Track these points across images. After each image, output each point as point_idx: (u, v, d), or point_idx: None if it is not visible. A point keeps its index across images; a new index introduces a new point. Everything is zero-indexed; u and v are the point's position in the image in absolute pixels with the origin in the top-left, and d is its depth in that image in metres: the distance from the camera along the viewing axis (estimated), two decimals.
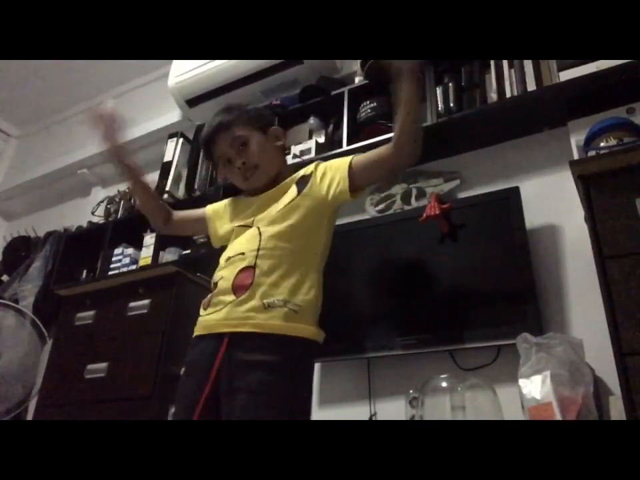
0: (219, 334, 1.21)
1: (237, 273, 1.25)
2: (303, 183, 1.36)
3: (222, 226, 1.47)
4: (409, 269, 1.87)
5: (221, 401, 1.14)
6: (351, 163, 1.31)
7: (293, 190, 1.35)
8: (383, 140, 1.95)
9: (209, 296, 1.31)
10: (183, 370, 1.31)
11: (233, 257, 1.30)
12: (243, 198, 1.51)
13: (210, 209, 1.56)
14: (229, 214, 1.48)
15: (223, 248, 1.43)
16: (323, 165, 1.39)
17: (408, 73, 1.20)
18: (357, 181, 1.31)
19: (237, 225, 1.39)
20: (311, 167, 1.40)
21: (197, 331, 1.30)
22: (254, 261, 1.24)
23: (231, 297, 1.23)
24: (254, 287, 1.21)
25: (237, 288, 1.23)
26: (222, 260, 1.35)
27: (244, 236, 1.33)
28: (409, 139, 1.24)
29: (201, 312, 1.32)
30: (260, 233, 1.29)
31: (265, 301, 1.19)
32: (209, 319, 1.26)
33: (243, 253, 1.27)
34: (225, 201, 1.55)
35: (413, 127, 1.25)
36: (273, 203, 1.35)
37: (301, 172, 1.40)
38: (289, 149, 2.16)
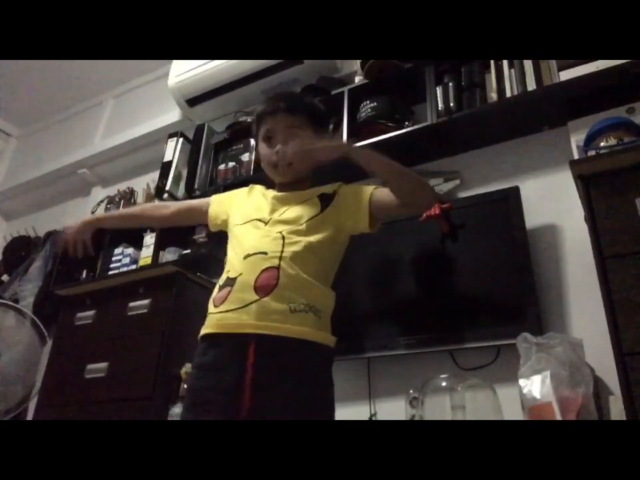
0: (242, 335, 1.16)
1: (260, 272, 1.21)
2: (326, 200, 1.36)
3: (225, 211, 1.48)
4: (409, 269, 1.87)
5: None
6: (371, 197, 1.32)
7: (316, 204, 1.35)
8: (383, 140, 1.96)
9: (225, 291, 1.24)
10: (193, 371, 1.24)
11: (253, 254, 1.25)
12: (256, 188, 1.50)
13: (215, 196, 1.57)
14: (238, 203, 1.47)
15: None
16: (345, 190, 1.40)
17: (342, 155, 1.29)
18: (375, 215, 1.33)
19: (253, 218, 1.36)
20: (334, 187, 1.40)
21: (210, 329, 1.23)
22: (278, 262, 1.22)
23: (253, 296, 1.18)
24: (279, 289, 1.18)
25: (260, 287, 1.19)
26: (236, 254, 1.30)
27: (262, 234, 1.30)
28: (404, 192, 1.27)
29: (212, 308, 1.25)
30: (283, 237, 1.27)
31: (291, 305, 1.17)
32: (228, 316, 1.20)
33: (265, 253, 1.24)
34: (235, 191, 1.54)
35: (397, 180, 1.28)
36: (294, 206, 1.35)
37: (323, 188, 1.40)
38: None
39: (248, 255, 1.25)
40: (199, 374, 1.20)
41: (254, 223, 1.34)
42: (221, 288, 1.26)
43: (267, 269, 1.21)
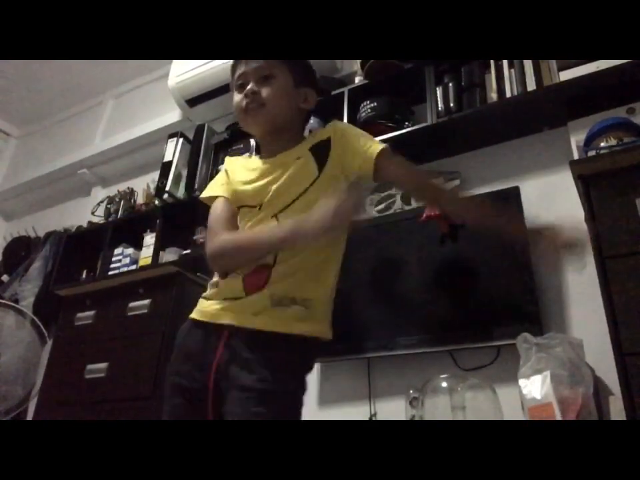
0: (219, 325, 1.10)
1: (251, 272, 1.11)
2: (321, 153, 1.17)
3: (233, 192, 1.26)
4: (409, 269, 1.87)
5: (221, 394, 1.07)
6: (379, 155, 1.15)
7: (310, 162, 1.16)
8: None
9: (216, 281, 1.18)
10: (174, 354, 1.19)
11: None
12: (233, 162, 1.32)
13: (215, 192, 1.28)
14: (233, 181, 1.26)
15: None
16: (341, 130, 1.20)
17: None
18: (379, 174, 1.17)
19: (243, 204, 1.20)
20: (327, 131, 1.21)
21: (195, 315, 1.17)
22: (272, 260, 1.10)
23: (240, 294, 1.10)
24: (267, 287, 1.09)
25: (248, 287, 1.10)
26: None
27: (255, 224, 1.15)
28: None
29: (204, 294, 1.20)
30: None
31: (274, 298, 1.08)
32: (211, 307, 1.14)
33: None
34: (223, 172, 1.31)
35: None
36: (285, 173, 1.16)
37: (314, 137, 1.22)
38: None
39: None
40: (176, 356, 1.19)
41: (244, 211, 1.20)
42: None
43: (258, 267, 1.11)
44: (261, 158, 1.25)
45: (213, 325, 1.11)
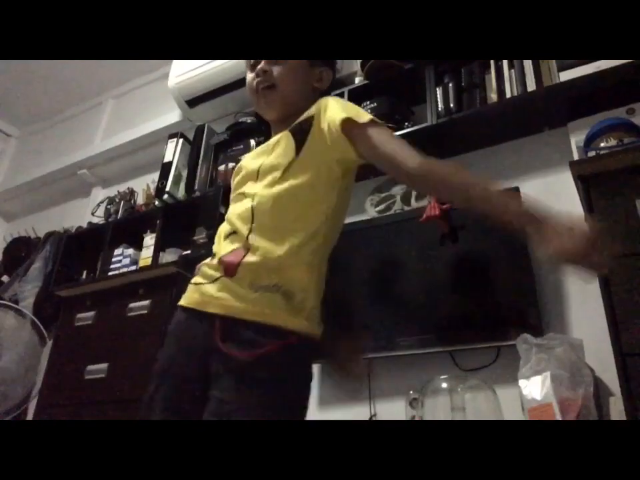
0: (209, 314, 1.03)
1: (229, 251, 1.06)
2: (300, 135, 1.08)
3: None
4: (409, 269, 1.87)
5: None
6: (344, 123, 1.03)
7: (289, 144, 1.08)
8: None
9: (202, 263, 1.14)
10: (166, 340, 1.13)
11: (229, 235, 1.09)
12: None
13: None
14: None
15: None
16: (325, 105, 1.09)
17: None
18: (360, 151, 1.06)
19: (237, 191, 1.16)
20: (312, 109, 1.11)
21: (184, 301, 1.11)
22: (245, 238, 1.04)
23: (218, 273, 1.04)
24: (242, 267, 1.02)
25: (225, 266, 1.04)
26: (222, 232, 1.14)
27: (237, 206, 1.12)
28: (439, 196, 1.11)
29: (193, 278, 1.14)
30: (252, 208, 1.07)
31: (254, 283, 1.00)
32: (198, 290, 1.08)
33: (235, 232, 1.08)
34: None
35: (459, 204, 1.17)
36: (270, 155, 1.11)
37: (303, 115, 1.12)
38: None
39: (227, 235, 1.10)
40: (168, 342, 1.12)
41: (235, 197, 1.15)
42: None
43: (235, 249, 1.05)
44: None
45: (203, 313, 1.04)
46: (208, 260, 1.13)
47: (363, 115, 1.05)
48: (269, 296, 1.00)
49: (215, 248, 1.13)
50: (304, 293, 1.03)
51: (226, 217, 1.15)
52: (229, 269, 1.03)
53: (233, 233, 1.08)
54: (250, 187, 1.12)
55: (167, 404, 1.03)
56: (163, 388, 1.04)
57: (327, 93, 1.23)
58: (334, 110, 1.06)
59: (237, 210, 1.11)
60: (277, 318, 1.00)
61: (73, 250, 2.77)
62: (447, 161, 1.02)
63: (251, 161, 1.19)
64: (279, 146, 1.11)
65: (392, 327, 1.79)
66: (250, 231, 1.05)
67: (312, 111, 1.10)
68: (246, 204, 1.09)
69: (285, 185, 1.05)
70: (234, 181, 1.22)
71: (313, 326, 1.05)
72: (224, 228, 1.13)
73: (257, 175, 1.12)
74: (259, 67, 1.15)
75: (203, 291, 1.06)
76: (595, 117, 1.64)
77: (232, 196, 1.19)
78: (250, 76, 1.18)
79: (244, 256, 1.03)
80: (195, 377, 1.02)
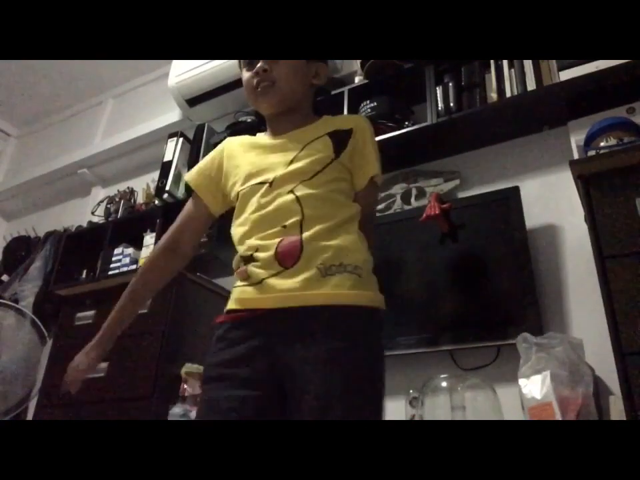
0: (266, 311, 1.00)
1: (280, 242, 1.03)
2: (340, 140, 1.13)
3: (216, 183, 1.21)
4: (409, 269, 1.87)
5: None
6: (374, 177, 1.16)
7: (327, 144, 1.12)
8: (383, 140, 1.95)
9: (244, 268, 1.07)
10: (210, 373, 1.04)
11: (271, 232, 1.05)
12: (236, 141, 1.25)
13: (191, 180, 1.24)
14: (227, 166, 1.20)
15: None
16: (363, 129, 1.17)
17: None
18: (358, 190, 1.17)
19: (252, 182, 1.12)
20: (350, 122, 1.17)
21: (238, 304, 1.04)
22: (298, 228, 1.03)
23: (276, 269, 1.01)
24: (305, 253, 1.00)
25: (284, 257, 1.01)
26: (248, 235, 1.09)
27: (275, 205, 1.07)
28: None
29: (238, 282, 1.08)
30: (298, 199, 1.06)
31: (321, 267, 0.99)
32: (252, 291, 1.02)
33: (284, 227, 1.04)
34: (207, 159, 1.25)
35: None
36: (300, 151, 1.12)
37: (335, 122, 1.18)
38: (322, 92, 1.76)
39: (261, 230, 1.06)
40: (221, 345, 1.05)
41: (254, 188, 1.11)
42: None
43: (289, 240, 1.03)
44: (271, 134, 1.21)
45: (256, 314, 1.01)
46: (238, 259, 1.09)
47: (378, 166, 1.17)
48: (344, 277, 1.00)
49: (244, 248, 1.09)
50: (366, 264, 1.06)
51: (259, 221, 1.09)
52: (290, 259, 1.01)
53: (277, 226, 1.05)
54: (284, 183, 1.09)
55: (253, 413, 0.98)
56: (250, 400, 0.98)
57: (325, 89, 1.25)
58: (372, 154, 1.16)
59: (270, 204, 1.08)
60: (361, 297, 1.01)
61: (72, 249, 2.77)
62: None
63: (259, 149, 1.18)
64: (314, 146, 1.13)
65: (392, 326, 1.79)
66: (302, 220, 1.04)
67: (349, 123, 1.17)
68: (284, 196, 1.07)
69: (329, 177, 1.10)
70: (240, 177, 1.16)
71: (382, 297, 1.07)
72: (256, 229, 1.08)
73: (285, 170, 1.10)
74: (258, 65, 1.15)
75: (270, 286, 1.01)
76: (594, 116, 1.65)
77: (244, 190, 1.13)
78: (248, 74, 1.18)
79: (301, 244, 1.02)
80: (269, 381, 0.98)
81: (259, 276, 1.03)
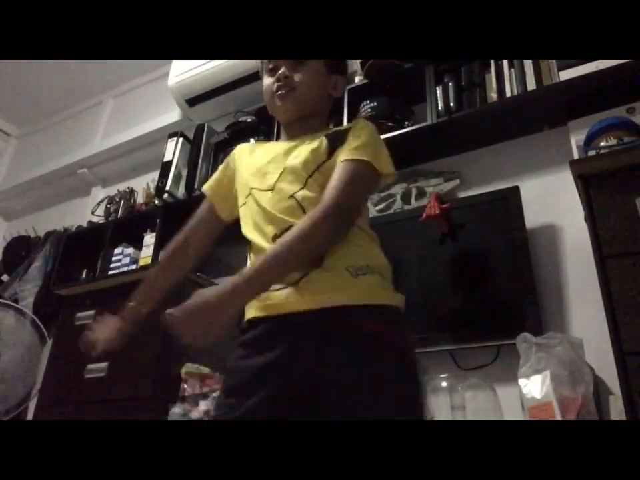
0: (293, 314, 0.98)
1: None
2: (334, 141, 1.12)
3: (231, 196, 1.22)
4: (409, 269, 1.87)
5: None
6: (346, 160, 1.09)
7: (322, 148, 1.11)
8: (383, 140, 1.95)
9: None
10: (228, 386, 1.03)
11: (277, 232, 1.05)
12: (258, 144, 1.29)
13: (210, 189, 1.29)
14: (238, 172, 1.23)
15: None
16: (360, 129, 1.15)
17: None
18: None
19: (257, 187, 1.13)
20: (351, 124, 1.18)
21: (262, 312, 1.02)
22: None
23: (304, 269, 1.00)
24: (329, 256, 1.01)
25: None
26: (259, 237, 1.09)
27: (279, 208, 1.07)
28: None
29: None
30: (299, 203, 1.06)
31: (349, 268, 1.01)
32: (284, 294, 1.00)
33: (292, 225, 1.03)
34: (229, 157, 1.28)
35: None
36: (300, 153, 1.13)
37: (340, 128, 1.19)
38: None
39: (276, 235, 1.04)
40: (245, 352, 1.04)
41: (258, 192, 1.12)
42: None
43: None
44: (284, 141, 1.22)
45: (283, 318, 1.00)
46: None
47: (364, 157, 1.09)
48: (368, 278, 1.04)
49: (254, 254, 1.09)
50: (387, 270, 1.12)
51: (264, 223, 1.09)
52: (314, 261, 1.01)
53: (287, 228, 1.02)
54: (289, 182, 1.10)
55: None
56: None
57: (338, 99, 1.25)
58: (355, 141, 1.11)
59: (275, 205, 1.08)
60: (386, 297, 1.08)
61: (72, 249, 2.77)
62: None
63: (264, 155, 1.19)
64: (306, 147, 1.13)
65: None
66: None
67: (350, 125, 1.18)
68: (285, 198, 1.08)
69: (328, 178, 1.07)
70: (246, 182, 1.18)
71: (400, 297, 1.15)
72: (266, 230, 1.08)
73: (282, 174, 1.11)
74: (279, 71, 1.17)
75: (296, 290, 1.00)
76: (595, 116, 1.65)
77: (250, 195, 1.14)
78: (269, 80, 1.20)
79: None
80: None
81: (291, 278, 1.01)
